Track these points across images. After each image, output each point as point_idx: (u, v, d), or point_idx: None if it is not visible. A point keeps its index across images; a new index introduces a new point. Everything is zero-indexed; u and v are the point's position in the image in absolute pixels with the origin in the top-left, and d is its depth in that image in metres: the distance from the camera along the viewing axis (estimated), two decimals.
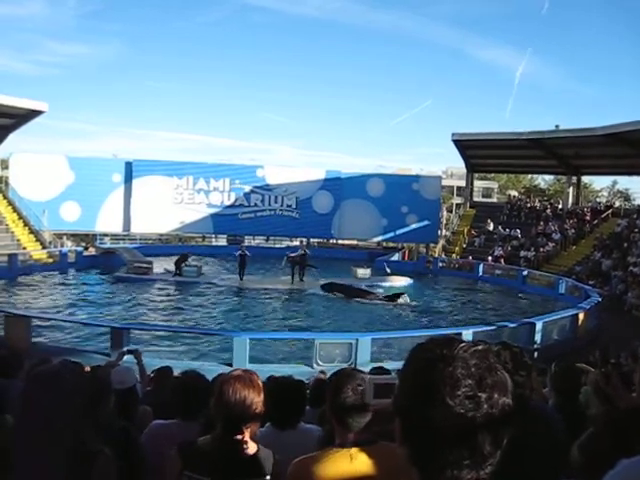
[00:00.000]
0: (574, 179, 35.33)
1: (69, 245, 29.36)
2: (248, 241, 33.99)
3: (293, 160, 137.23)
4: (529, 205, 34.56)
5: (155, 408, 3.95)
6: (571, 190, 34.93)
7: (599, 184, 58.94)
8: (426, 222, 32.96)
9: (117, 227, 31.37)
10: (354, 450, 2.01)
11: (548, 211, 32.63)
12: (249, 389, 2.19)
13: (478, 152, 35.69)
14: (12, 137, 31.63)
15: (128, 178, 31.03)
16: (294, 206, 32.88)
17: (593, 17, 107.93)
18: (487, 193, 54.94)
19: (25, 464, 1.83)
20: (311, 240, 33.83)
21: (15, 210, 28.32)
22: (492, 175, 56.61)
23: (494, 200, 50.43)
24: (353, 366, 9.60)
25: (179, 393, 3.26)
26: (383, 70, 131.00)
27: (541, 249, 28.42)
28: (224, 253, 29.52)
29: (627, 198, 54.73)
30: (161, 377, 5.35)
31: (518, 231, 30.87)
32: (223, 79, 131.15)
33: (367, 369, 5.10)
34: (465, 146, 34.74)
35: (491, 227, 32.57)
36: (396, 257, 31.14)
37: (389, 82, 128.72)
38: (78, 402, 1.91)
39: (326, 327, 15.56)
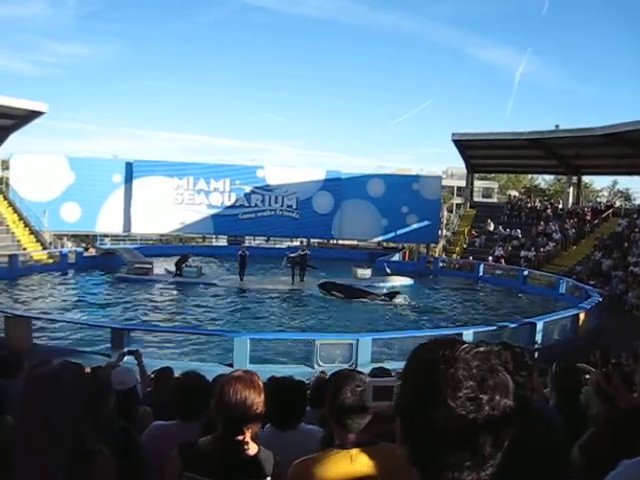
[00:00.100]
0: (574, 179, 35.33)
1: (69, 246, 29.35)
2: (248, 241, 34.03)
3: (293, 160, 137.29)
4: (529, 205, 34.55)
5: (155, 409, 3.95)
6: (571, 190, 34.93)
7: (599, 184, 59.02)
8: (426, 222, 32.95)
9: (117, 228, 31.36)
10: (354, 451, 2.01)
11: (548, 211, 32.62)
12: (250, 390, 2.19)
13: (478, 152, 35.68)
14: (12, 138, 31.68)
15: (128, 179, 31.03)
16: (294, 206, 32.88)
17: (593, 17, 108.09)
18: (487, 193, 54.97)
19: (25, 464, 1.83)
20: (311, 240, 33.83)
21: (15, 211, 28.32)
22: (492, 175, 56.63)
23: (494, 200, 50.44)
24: (354, 367, 9.61)
25: (179, 394, 3.26)
26: (383, 70, 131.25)
27: (541, 249, 28.41)
28: (224, 253, 29.52)
29: (627, 198, 54.77)
30: (161, 378, 5.34)
31: (518, 231, 30.86)
32: (223, 79, 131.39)
33: (368, 370, 5.10)
34: (465, 146, 34.74)
35: (491, 227, 32.57)
36: (396, 257, 31.11)
37: (389, 82, 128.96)
38: (78, 402, 1.91)
39: (326, 327, 15.55)
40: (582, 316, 14.70)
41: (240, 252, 22.58)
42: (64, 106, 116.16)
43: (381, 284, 22.51)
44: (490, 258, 28.37)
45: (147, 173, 31.24)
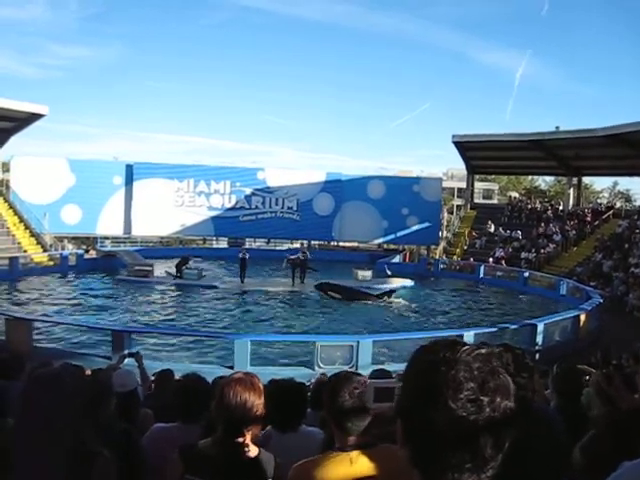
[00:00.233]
0: (575, 180, 35.33)
1: (70, 248, 29.37)
2: (249, 243, 34.02)
3: (294, 162, 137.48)
4: (530, 206, 34.54)
5: (156, 411, 3.95)
6: (572, 191, 34.93)
7: (600, 185, 59.02)
8: (427, 224, 32.94)
9: (118, 230, 31.37)
10: (354, 453, 2.01)
11: (549, 212, 32.62)
12: (250, 392, 2.19)
13: (479, 154, 35.70)
14: (13, 140, 31.70)
15: (129, 181, 31.05)
16: (295, 208, 32.89)
17: (592, 18, 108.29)
18: (488, 195, 54.96)
19: (25, 464, 1.83)
20: (312, 242, 33.83)
21: (16, 213, 28.34)
22: (493, 177, 56.65)
23: (495, 202, 50.44)
24: (354, 368, 9.60)
25: (180, 396, 3.26)
26: (385, 72, 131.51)
27: (542, 250, 28.41)
28: (225, 255, 29.52)
29: (628, 199, 54.77)
30: (162, 380, 5.34)
31: (519, 232, 30.86)
32: (224, 81, 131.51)
33: (368, 371, 5.10)
34: (466, 148, 34.76)
35: (492, 229, 32.57)
36: (397, 259, 31.10)
37: (391, 85, 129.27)
38: (78, 403, 1.91)
39: (327, 329, 15.54)
40: (583, 317, 14.70)
41: (240, 254, 22.58)
42: (65, 108, 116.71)
43: (381, 286, 22.51)
44: (491, 259, 28.36)
45: (147, 175, 31.25)
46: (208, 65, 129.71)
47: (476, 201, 39.71)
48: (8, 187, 29.96)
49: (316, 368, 10.33)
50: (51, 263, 25.52)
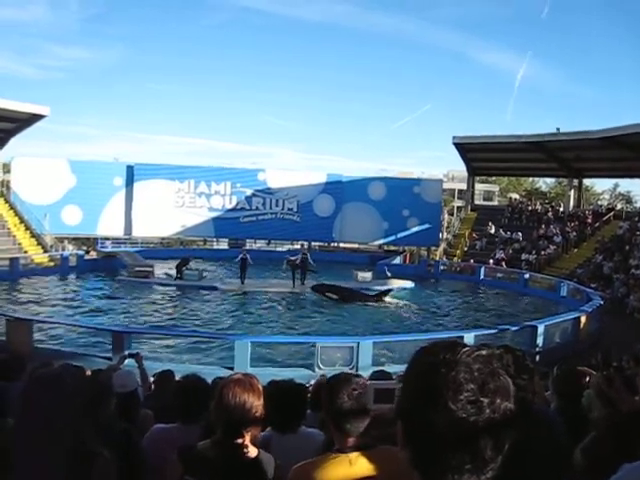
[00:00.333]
0: (575, 182, 35.33)
1: (70, 249, 29.37)
2: (249, 244, 34.01)
3: (295, 164, 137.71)
4: (530, 208, 34.53)
5: (156, 412, 3.95)
6: (572, 193, 34.93)
7: (600, 187, 58.97)
8: (427, 225, 32.95)
9: (118, 231, 31.39)
10: (353, 455, 2.01)
11: (549, 214, 32.61)
12: (249, 393, 2.19)
13: (479, 155, 35.71)
14: (14, 141, 31.78)
15: (129, 182, 31.06)
16: (295, 209, 32.90)
17: (593, 20, 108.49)
18: (488, 196, 54.96)
19: (25, 464, 1.83)
20: (312, 243, 33.82)
21: (17, 214, 28.36)
22: (493, 178, 56.66)
23: (495, 203, 50.46)
24: (355, 370, 9.60)
25: (180, 397, 3.26)
26: (385, 73, 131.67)
27: (542, 252, 28.40)
28: (225, 257, 29.52)
29: (629, 201, 54.74)
30: (162, 381, 5.34)
31: (519, 234, 30.85)
32: (225, 82, 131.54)
33: (368, 373, 5.09)
34: (466, 149, 34.76)
35: (492, 230, 32.56)
36: (397, 260, 31.08)
37: (391, 85, 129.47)
38: (78, 403, 1.91)
39: (327, 330, 15.53)
40: (583, 319, 14.69)
41: (241, 255, 22.58)
42: (66, 110, 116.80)
43: (381, 287, 22.51)
44: (491, 261, 28.34)
45: (148, 176, 31.27)
46: (208, 66, 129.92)
47: (476, 202, 39.72)
48: (9, 188, 29.99)
49: (316, 369, 10.33)
50: (52, 264, 25.53)
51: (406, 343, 11.83)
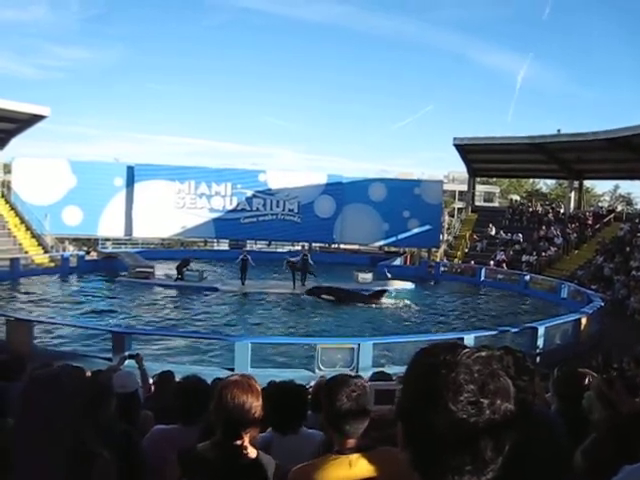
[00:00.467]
0: (576, 183, 35.35)
1: (71, 249, 29.35)
2: (250, 246, 34.00)
3: (295, 165, 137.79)
4: (531, 209, 34.54)
5: (157, 413, 3.95)
6: (573, 194, 34.94)
7: (601, 188, 59.01)
8: (428, 227, 32.95)
9: (119, 231, 31.41)
10: (353, 456, 2.00)
11: (550, 215, 32.61)
12: (247, 394, 2.19)
13: (480, 156, 35.71)
14: (14, 141, 31.81)
15: (130, 182, 31.08)
16: (296, 210, 32.91)
17: (594, 21, 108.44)
18: (489, 197, 54.93)
19: (25, 464, 1.83)
20: (313, 245, 33.82)
21: (17, 214, 28.37)
22: (494, 179, 56.65)
23: (496, 204, 50.45)
24: (355, 371, 9.60)
25: (180, 398, 3.26)
26: (385, 75, 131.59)
27: (543, 253, 28.39)
28: (226, 258, 29.51)
29: (629, 202, 54.77)
30: (162, 382, 5.34)
31: (520, 235, 30.84)
32: (225, 83, 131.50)
33: (369, 374, 5.10)
34: (467, 150, 34.77)
35: (493, 231, 32.55)
36: (398, 262, 31.08)
37: (391, 86, 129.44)
38: (78, 403, 1.91)
39: (328, 331, 15.53)
40: (584, 321, 14.68)
41: (242, 256, 22.58)
42: (66, 110, 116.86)
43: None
44: (491, 262, 28.34)
45: (149, 177, 31.29)
46: (209, 66, 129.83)
47: (477, 204, 39.71)
48: (9, 188, 30.00)
49: (316, 370, 10.33)
50: (52, 264, 25.54)
51: (406, 344, 11.83)
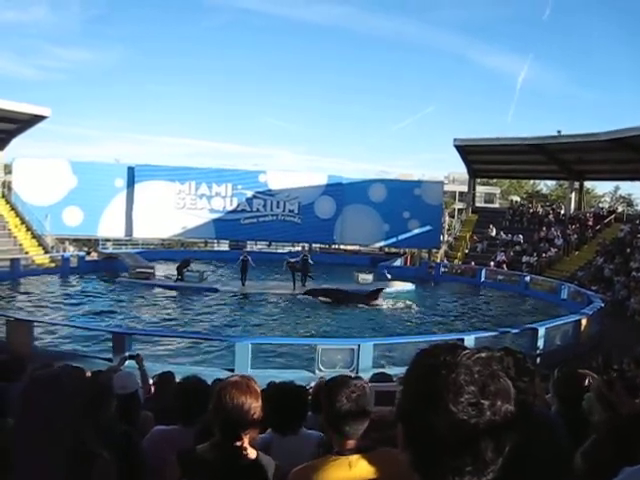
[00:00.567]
0: (576, 184, 35.34)
1: (71, 250, 29.37)
2: (250, 246, 34.01)
3: (295, 165, 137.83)
4: (531, 210, 34.52)
5: (157, 414, 3.95)
6: (573, 195, 34.93)
7: (601, 189, 58.99)
8: (428, 227, 32.96)
9: (119, 232, 31.43)
10: (353, 457, 2.00)
11: (550, 216, 32.60)
12: (246, 395, 2.19)
13: (480, 157, 35.72)
14: (15, 142, 31.78)
15: (130, 183, 31.10)
16: (296, 211, 32.92)
17: (594, 22, 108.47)
18: (489, 198, 54.92)
19: (25, 464, 1.84)
20: (313, 245, 33.82)
21: (18, 215, 28.38)
22: (494, 180, 56.65)
23: (496, 205, 50.43)
24: (355, 372, 9.60)
25: (180, 398, 3.26)
26: (386, 75, 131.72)
27: (543, 254, 28.38)
28: (226, 258, 29.51)
29: (630, 203, 54.73)
30: (163, 383, 5.34)
31: (520, 236, 30.83)
32: (226, 84, 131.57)
33: (369, 375, 5.09)
34: (467, 151, 34.77)
35: (493, 232, 32.55)
36: (398, 262, 31.08)
37: (392, 88, 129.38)
38: (78, 403, 1.91)
39: (328, 332, 15.53)
40: (584, 322, 14.67)
41: (242, 257, 22.58)
42: (67, 111, 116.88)
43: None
44: (492, 263, 28.34)
45: (149, 178, 31.31)
46: (209, 67, 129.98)
47: (477, 205, 39.69)
48: (10, 188, 30.01)
49: (316, 371, 10.33)
50: (52, 265, 25.55)
51: (407, 345, 11.83)
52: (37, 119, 29.63)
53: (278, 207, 32.83)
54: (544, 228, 30.85)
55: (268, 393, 2.97)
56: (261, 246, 36.24)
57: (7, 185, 30.80)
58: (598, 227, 29.23)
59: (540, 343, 12.94)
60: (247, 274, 22.38)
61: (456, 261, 31.22)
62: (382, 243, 34.31)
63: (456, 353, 0.95)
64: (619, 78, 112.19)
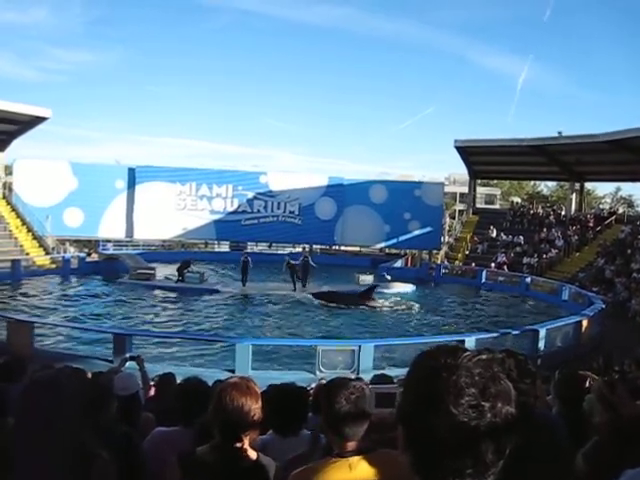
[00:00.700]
0: (577, 185, 35.32)
1: (72, 251, 29.41)
2: (251, 247, 34.03)
3: (296, 166, 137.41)
4: (532, 212, 34.50)
5: (157, 415, 3.95)
6: (574, 197, 34.91)
7: (602, 190, 58.84)
8: (429, 228, 32.96)
9: (120, 233, 31.44)
10: (353, 459, 2.00)
11: (551, 218, 32.59)
12: (246, 396, 2.18)
13: (481, 158, 35.71)
14: (16, 143, 31.80)
15: (131, 184, 31.14)
16: (297, 212, 32.93)
17: (594, 23, 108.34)
18: (490, 199, 54.88)
19: (25, 464, 1.84)
20: (314, 246, 33.83)
21: (19, 216, 28.42)
22: (495, 182, 56.60)
23: (497, 207, 50.39)
24: (356, 373, 9.60)
25: (181, 400, 3.26)
26: (386, 76, 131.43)
27: (544, 256, 28.37)
28: (227, 259, 29.51)
29: (630, 204, 54.62)
30: (163, 384, 5.34)
31: (521, 238, 30.83)
32: (226, 85, 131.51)
33: (369, 376, 5.09)
34: (468, 152, 34.77)
35: (494, 234, 32.54)
36: (399, 264, 31.06)
37: (392, 88, 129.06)
38: (78, 404, 1.91)
39: (328, 333, 15.52)
40: (585, 323, 14.66)
41: (242, 258, 22.58)
42: (68, 112, 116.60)
43: (383, 291, 22.48)
44: (492, 265, 28.33)
45: (150, 179, 31.34)
46: (209, 68, 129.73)
47: (478, 206, 39.67)
48: (11, 190, 30.04)
49: (317, 372, 10.32)
50: (53, 266, 25.57)
51: (407, 347, 11.81)
52: (38, 120, 29.68)
53: (279, 208, 32.84)
54: (545, 229, 30.84)
55: (269, 394, 2.97)
56: (262, 247, 36.25)
57: (8, 186, 30.84)
58: (599, 228, 29.20)
59: (541, 344, 12.93)
60: (248, 275, 22.38)
61: (457, 262, 31.21)
62: (383, 244, 34.32)
63: (457, 355, 0.95)
64: (619, 79, 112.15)
